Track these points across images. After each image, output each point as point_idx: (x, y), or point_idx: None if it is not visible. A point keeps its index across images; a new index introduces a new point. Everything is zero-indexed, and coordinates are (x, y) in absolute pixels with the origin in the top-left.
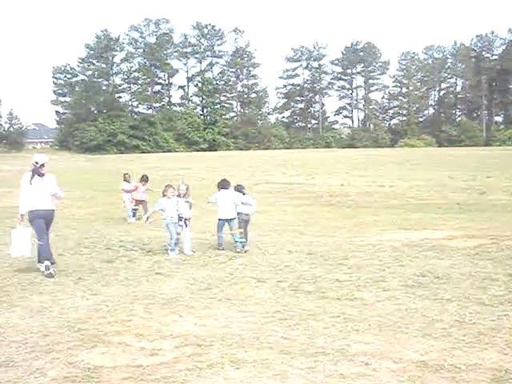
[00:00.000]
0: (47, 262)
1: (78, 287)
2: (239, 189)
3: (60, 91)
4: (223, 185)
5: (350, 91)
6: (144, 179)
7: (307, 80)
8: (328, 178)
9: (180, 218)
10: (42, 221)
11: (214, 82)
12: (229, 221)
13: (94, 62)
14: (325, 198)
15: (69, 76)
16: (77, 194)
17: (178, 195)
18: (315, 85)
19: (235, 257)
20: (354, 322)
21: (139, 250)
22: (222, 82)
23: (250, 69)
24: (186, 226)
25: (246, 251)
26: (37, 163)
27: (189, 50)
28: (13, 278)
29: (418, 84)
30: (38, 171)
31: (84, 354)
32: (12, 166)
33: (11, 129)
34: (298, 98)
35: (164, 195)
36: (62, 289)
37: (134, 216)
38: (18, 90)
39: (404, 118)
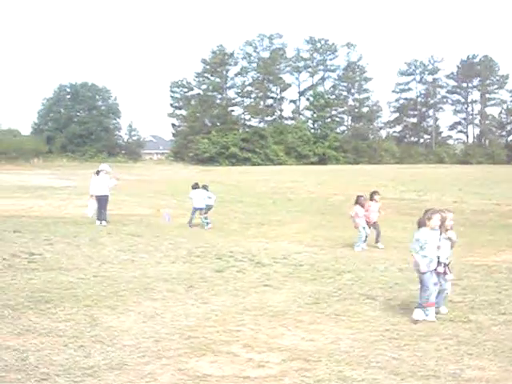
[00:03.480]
0: (104, 222)
1: (189, 295)
2: (205, 188)
3: (176, 104)
4: (194, 186)
5: (466, 106)
6: (376, 194)
7: (420, 94)
8: (440, 194)
9: (443, 265)
10: (99, 199)
11: (326, 96)
12: (200, 209)
13: (209, 76)
14: None
15: (185, 90)
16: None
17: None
18: (429, 99)
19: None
20: (468, 346)
21: (248, 261)
22: (334, 96)
23: (362, 83)
24: (447, 274)
25: (209, 228)
26: (98, 168)
27: (301, 64)
28: (128, 284)
29: None
30: (97, 172)
31: (193, 361)
32: (129, 175)
33: (130, 140)
34: (411, 112)
35: (422, 225)
36: (173, 296)
37: (365, 241)
38: (137, 103)
39: None
